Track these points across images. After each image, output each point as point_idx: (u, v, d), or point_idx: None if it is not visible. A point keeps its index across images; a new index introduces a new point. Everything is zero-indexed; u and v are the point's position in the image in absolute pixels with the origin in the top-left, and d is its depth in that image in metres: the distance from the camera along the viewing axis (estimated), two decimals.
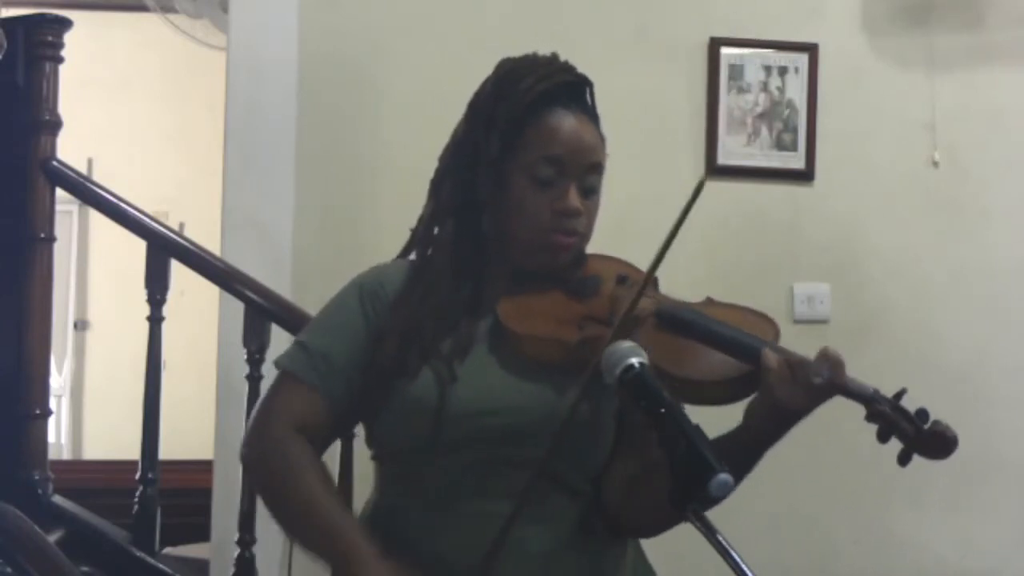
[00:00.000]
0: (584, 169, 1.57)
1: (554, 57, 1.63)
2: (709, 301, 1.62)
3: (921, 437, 1.45)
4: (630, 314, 1.48)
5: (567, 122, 1.57)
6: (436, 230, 1.63)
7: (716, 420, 1.46)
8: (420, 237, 1.64)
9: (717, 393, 1.49)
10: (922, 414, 1.46)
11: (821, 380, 1.43)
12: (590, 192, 1.58)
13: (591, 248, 1.65)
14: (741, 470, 1.44)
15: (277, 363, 1.61)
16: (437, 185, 1.64)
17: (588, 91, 1.62)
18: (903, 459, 1.46)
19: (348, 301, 1.61)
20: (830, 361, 1.44)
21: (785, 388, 1.43)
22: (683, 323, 1.53)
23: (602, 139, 1.61)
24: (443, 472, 1.52)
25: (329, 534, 1.48)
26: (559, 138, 1.56)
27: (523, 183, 1.56)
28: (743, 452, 1.46)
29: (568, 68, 1.63)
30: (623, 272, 1.61)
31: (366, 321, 1.57)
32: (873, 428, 1.47)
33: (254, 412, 1.60)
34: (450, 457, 1.51)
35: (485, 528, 1.46)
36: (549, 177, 1.55)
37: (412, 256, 1.66)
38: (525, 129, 1.56)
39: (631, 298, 1.49)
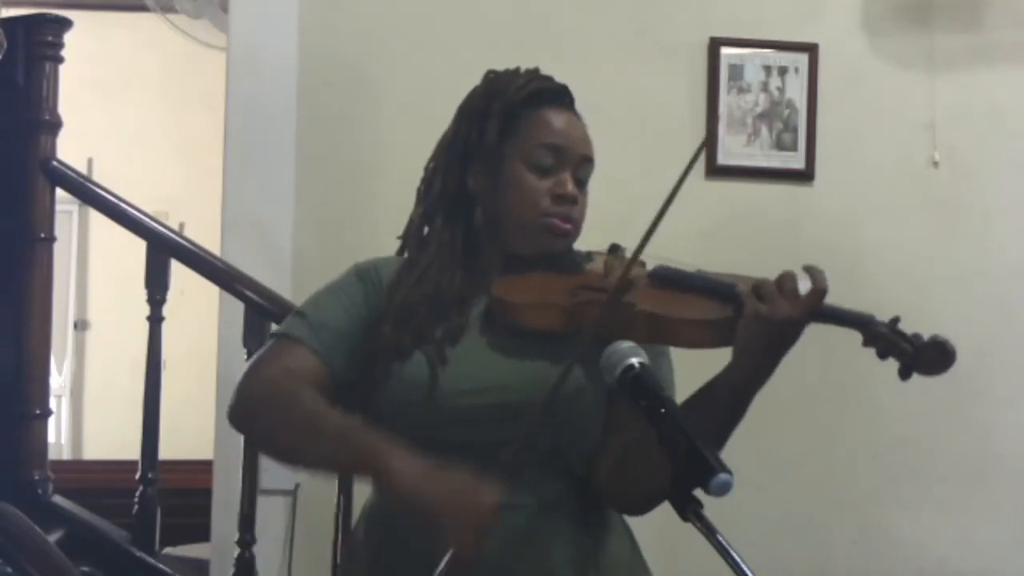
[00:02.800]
0: (579, 160, 1.64)
1: (537, 69, 1.71)
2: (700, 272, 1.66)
3: (919, 350, 1.48)
4: (627, 272, 1.51)
5: (561, 117, 1.65)
6: (426, 230, 1.66)
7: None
8: (411, 239, 1.67)
9: (711, 333, 1.51)
10: (917, 336, 1.49)
11: (806, 289, 1.49)
12: (582, 184, 1.65)
13: (586, 246, 1.67)
14: (734, 415, 1.48)
15: (272, 332, 1.64)
16: (426, 187, 1.68)
17: (571, 98, 1.70)
18: (904, 373, 1.50)
19: (346, 279, 1.65)
20: (812, 271, 1.52)
21: (771, 303, 1.47)
22: (676, 278, 1.59)
23: (590, 139, 1.68)
24: (438, 455, 1.52)
25: (343, 441, 1.47)
26: (556, 128, 1.63)
27: (521, 170, 1.61)
28: (733, 392, 1.48)
29: (551, 78, 1.70)
30: (614, 244, 1.66)
31: (365, 298, 1.61)
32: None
33: (242, 372, 1.60)
34: (444, 438, 1.52)
35: None
36: (548, 164, 1.61)
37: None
38: (520, 121, 1.63)
39: (624, 264, 1.53)
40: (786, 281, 1.49)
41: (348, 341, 1.58)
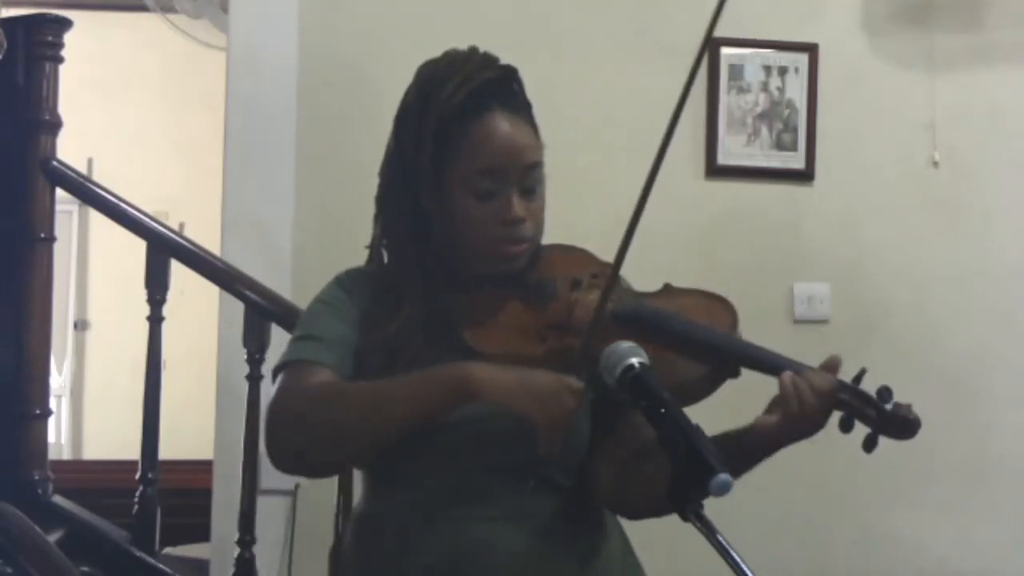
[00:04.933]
0: (521, 172, 1.54)
1: (473, 52, 1.58)
2: (667, 288, 1.62)
3: (884, 420, 1.44)
4: (596, 322, 1.46)
5: (497, 127, 1.52)
6: (393, 246, 1.61)
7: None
8: (377, 253, 1.63)
9: (684, 394, 1.46)
10: (884, 393, 1.44)
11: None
12: (531, 192, 1.56)
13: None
14: (738, 472, 1.44)
15: (279, 364, 1.56)
16: (381, 200, 1.63)
17: (515, 81, 1.58)
18: (868, 445, 1.46)
19: (333, 292, 1.60)
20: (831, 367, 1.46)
21: (808, 413, 1.43)
22: (642, 326, 1.52)
23: (535, 131, 1.57)
24: (426, 479, 1.52)
25: (421, 382, 1.44)
26: (491, 147, 1.52)
27: (463, 197, 1.53)
28: (744, 458, 1.47)
29: (489, 63, 1.57)
30: (576, 274, 1.59)
31: (354, 305, 1.57)
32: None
33: (267, 408, 1.53)
34: (433, 465, 1.51)
35: (468, 532, 1.47)
36: (488, 189, 1.53)
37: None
38: (454, 140, 1.52)
39: (589, 302, 1.49)
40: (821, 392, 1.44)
41: (353, 346, 1.54)
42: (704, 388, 1.50)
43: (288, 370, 1.53)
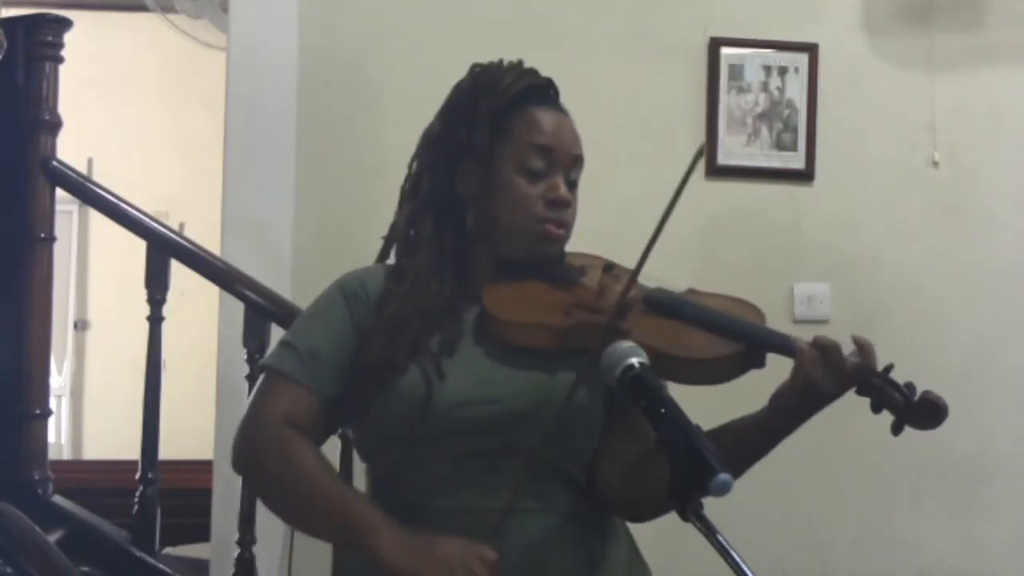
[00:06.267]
0: (570, 161, 1.62)
1: (521, 62, 1.68)
2: (691, 291, 1.64)
3: (912, 406, 1.46)
4: (624, 297, 1.49)
5: (551, 116, 1.62)
6: (412, 232, 1.63)
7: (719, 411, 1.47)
8: (397, 243, 1.65)
9: (711, 371, 1.50)
10: (910, 387, 1.47)
11: (851, 365, 1.47)
12: (573, 186, 1.63)
13: (586, 247, 1.67)
14: (757, 454, 1.49)
15: (263, 364, 1.61)
16: (412, 188, 1.65)
17: (556, 95, 1.67)
18: (896, 429, 1.48)
19: (332, 300, 1.61)
20: (862, 347, 1.48)
21: (818, 371, 1.45)
22: (672, 307, 1.56)
23: (579, 137, 1.66)
24: (433, 467, 1.52)
25: (336, 512, 1.47)
26: (547, 129, 1.60)
27: (513, 174, 1.59)
28: (765, 436, 1.49)
29: (536, 72, 1.66)
30: (608, 263, 1.63)
31: (351, 318, 1.58)
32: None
33: (243, 415, 1.59)
34: (440, 451, 1.51)
35: (475, 522, 1.46)
36: (539, 168, 1.59)
37: (390, 261, 1.67)
38: (511, 121, 1.60)
39: (621, 284, 1.52)
40: (831, 354, 1.47)
41: (338, 365, 1.55)
42: (730, 368, 1.51)
43: (265, 379, 1.58)
